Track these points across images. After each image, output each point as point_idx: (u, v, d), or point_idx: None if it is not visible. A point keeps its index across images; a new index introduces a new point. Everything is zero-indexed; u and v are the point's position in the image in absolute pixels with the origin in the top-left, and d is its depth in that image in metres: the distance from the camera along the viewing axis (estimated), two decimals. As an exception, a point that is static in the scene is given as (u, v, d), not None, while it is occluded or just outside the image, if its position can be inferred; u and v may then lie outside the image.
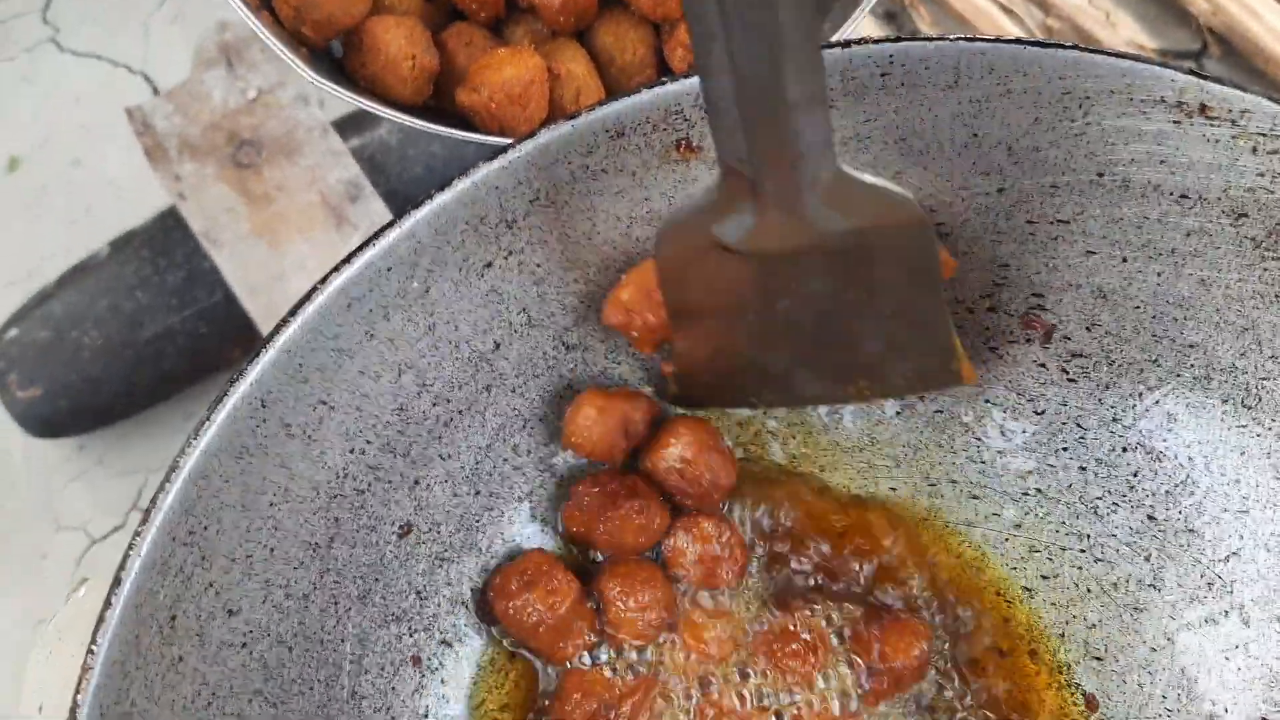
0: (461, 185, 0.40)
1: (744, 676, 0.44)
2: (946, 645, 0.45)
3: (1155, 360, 0.43)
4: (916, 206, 0.38)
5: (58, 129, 0.80)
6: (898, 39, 0.41)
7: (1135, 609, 0.44)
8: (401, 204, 0.74)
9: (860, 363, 0.42)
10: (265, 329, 0.65)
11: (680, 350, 0.43)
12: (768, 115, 0.33)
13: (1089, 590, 0.45)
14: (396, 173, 0.73)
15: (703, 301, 0.41)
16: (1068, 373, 0.45)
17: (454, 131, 0.48)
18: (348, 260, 0.39)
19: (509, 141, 0.41)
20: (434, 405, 0.42)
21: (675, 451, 0.44)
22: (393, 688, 0.42)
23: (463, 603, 0.44)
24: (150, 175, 0.71)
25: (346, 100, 0.49)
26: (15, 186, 0.78)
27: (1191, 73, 0.39)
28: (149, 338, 0.66)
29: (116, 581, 0.34)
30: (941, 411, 0.46)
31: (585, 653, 0.44)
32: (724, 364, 0.43)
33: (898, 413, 0.46)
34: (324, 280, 0.38)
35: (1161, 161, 0.41)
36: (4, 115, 0.80)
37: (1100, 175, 0.42)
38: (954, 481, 0.46)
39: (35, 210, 0.78)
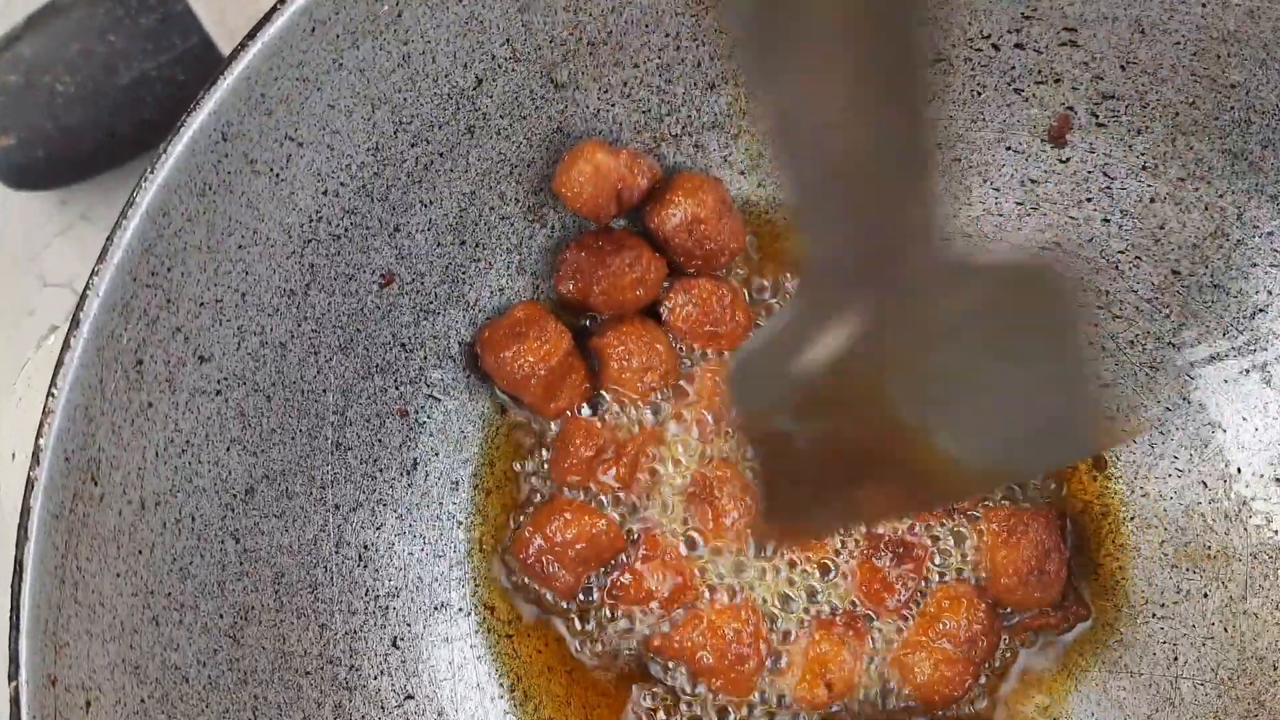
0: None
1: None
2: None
3: (1192, 102, 0.40)
4: (1055, 271, 0.30)
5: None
6: None
7: (1151, 367, 0.42)
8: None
9: (1002, 448, 0.34)
10: (227, 51, 0.62)
11: (772, 499, 0.36)
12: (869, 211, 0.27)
13: (1104, 349, 0.43)
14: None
15: (794, 435, 0.33)
16: (1097, 116, 0.41)
17: None
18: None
19: None
20: (412, 146, 0.39)
21: (685, 210, 0.42)
22: (379, 439, 0.40)
23: (450, 356, 0.42)
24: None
25: None
26: (-23, -78, 0.73)
27: None
28: (125, 84, 0.63)
29: (75, 323, 0.32)
30: (960, 160, 0.43)
31: (584, 405, 0.43)
32: (819, 497, 0.35)
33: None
34: (283, 1, 0.35)
35: None
36: None
37: (1150, -110, 0.37)
38: (968, 235, 0.44)
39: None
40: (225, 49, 0.63)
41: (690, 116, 0.43)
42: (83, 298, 0.32)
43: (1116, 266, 0.42)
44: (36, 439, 0.31)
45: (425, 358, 0.42)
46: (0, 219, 0.68)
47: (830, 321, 0.30)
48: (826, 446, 0.34)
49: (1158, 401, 0.42)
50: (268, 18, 0.35)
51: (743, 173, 0.44)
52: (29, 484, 0.31)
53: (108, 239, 0.33)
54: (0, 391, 0.55)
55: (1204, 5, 0.38)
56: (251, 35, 0.34)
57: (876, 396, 0.32)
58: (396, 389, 0.41)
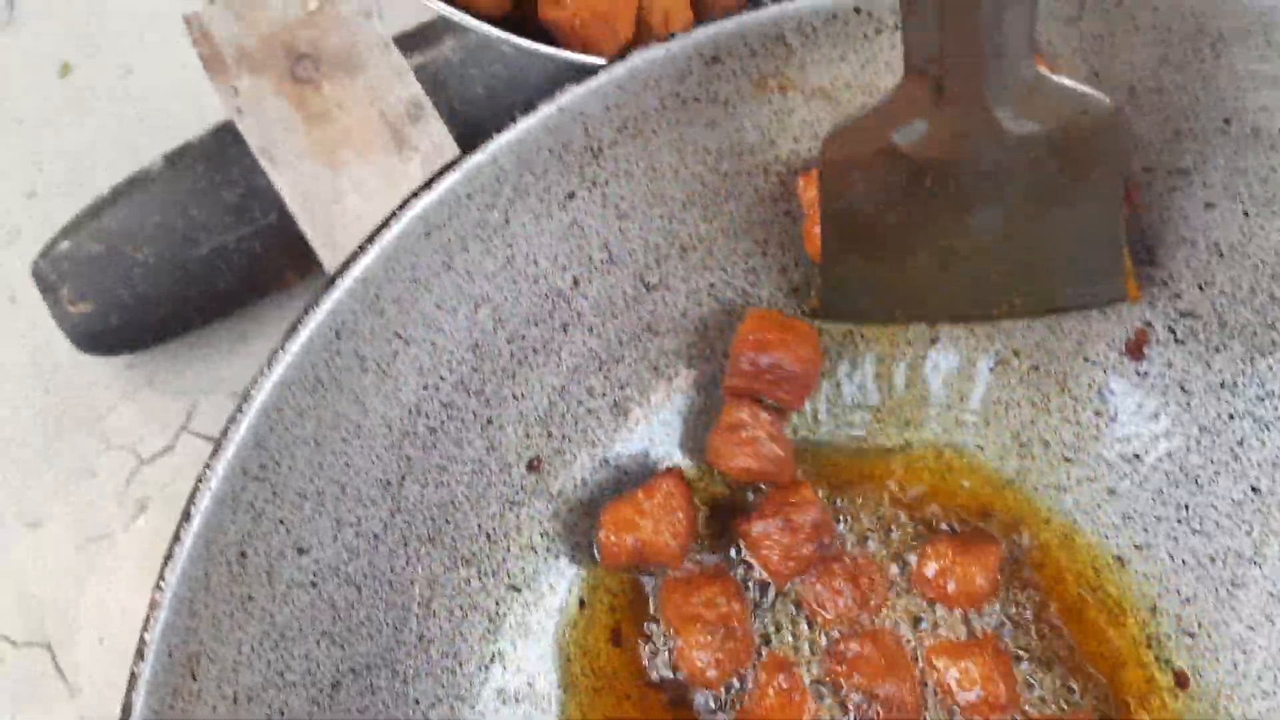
0: (546, 110, 0.38)
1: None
2: (1028, 608, 0.43)
3: (1271, 324, 0.41)
4: (1112, 109, 0.35)
5: (111, 35, 0.78)
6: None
7: (1233, 585, 0.42)
8: (462, 126, 0.72)
9: (1023, 274, 0.40)
10: (322, 251, 0.64)
11: (830, 254, 0.41)
12: (970, 8, 0.31)
13: (1184, 562, 0.43)
14: (458, 92, 0.70)
15: (863, 207, 0.39)
16: (1175, 333, 0.42)
17: (543, 47, 0.46)
18: (427, 186, 0.37)
19: (598, 63, 0.39)
20: (509, 342, 0.40)
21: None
22: (460, 632, 0.40)
23: (531, 548, 0.42)
24: (202, 87, 0.68)
25: (430, 9, 0.46)
26: (66, 93, 0.76)
27: (1340, 15, 0.36)
28: (203, 255, 0.64)
29: (186, 515, 0.33)
30: (1038, 369, 0.44)
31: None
32: (874, 273, 0.41)
33: (990, 369, 0.44)
34: (402, 206, 0.36)
35: (1296, 110, 0.38)
36: (57, 19, 0.78)
37: (1227, 122, 0.39)
38: (1046, 443, 0.44)
39: (86, 119, 0.76)
40: (304, 224, 0.65)
41: (774, 318, 0.44)
42: (195, 491, 0.33)
43: (1195, 481, 0.43)
44: (142, 633, 0.31)
45: (509, 549, 0.42)
46: (66, 380, 0.69)
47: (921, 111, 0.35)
48: (898, 225, 0.39)
49: (1240, 620, 0.42)
50: (386, 223, 0.36)
51: (823, 373, 0.45)
52: (132, 679, 0.31)
53: (221, 433, 0.33)
54: (69, 562, 0.55)
55: (1281, 232, 0.40)
56: (371, 239, 0.36)
57: (950, 194, 0.38)
58: (480, 580, 0.41)
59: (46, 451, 0.66)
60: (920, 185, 0.37)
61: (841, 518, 0.44)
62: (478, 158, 0.37)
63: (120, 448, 0.66)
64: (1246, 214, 0.40)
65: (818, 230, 0.40)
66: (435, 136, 0.68)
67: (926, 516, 0.44)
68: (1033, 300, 0.41)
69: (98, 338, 0.64)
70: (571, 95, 0.38)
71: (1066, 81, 0.34)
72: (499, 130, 0.38)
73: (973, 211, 0.38)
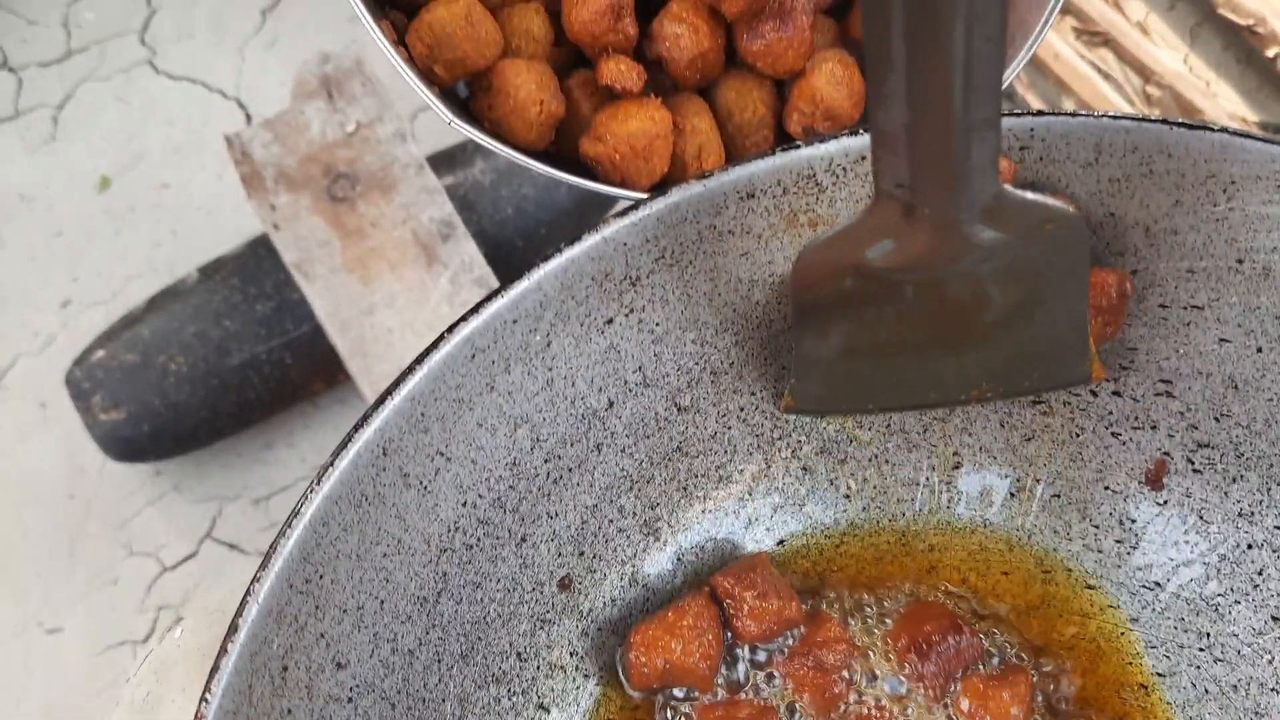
0: (590, 240, 0.39)
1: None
2: (1052, 736, 0.43)
3: (1287, 455, 0.42)
4: (1074, 215, 0.37)
5: (149, 151, 0.81)
6: (1039, 113, 0.40)
7: (1257, 713, 0.42)
8: (491, 244, 0.74)
9: (990, 364, 0.42)
10: (351, 363, 0.65)
11: (803, 354, 0.42)
12: (940, 140, 0.33)
13: (1207, 691, 0.43)
14: (488, 213, 0.73)
15: (833, 310, 0.40)
16: (1193, 463, 0.43)
17: (586, 182, 0.48)
18: (475, 311, 0.38)
19: (640, 197, 0.41)
20: (545, 461, 0.41)
21: None
22: (490, 750, 0.41)
23: (560, 667, 0.43)
24: (236, 202, 0.71)
25: (475, 139, 0.48)
26: (105, 206, 0.79)
27: (1346, 164, 0.38)
28: (235, 366, 0.66)
29: (233, 628, 0.33)
30: (1059, 496, 0.45)
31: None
32: (845, 370, 0.42)
33: (1013, 494, 0.45)
34: (450, 330, 0.38)
35: (1308, 252, 0.39)
36: (97, 134, 0.81)
37: (1240, 262, 0.41)
38: (1068, 569, 0.45)
39: (123, 231, 0.78)
40: (335, 337, 0.66)
41: (800, 441, 0.46)
42: (243, 604, 0.34)
43: (1216, 609, 0.43)
44: (187, 745, 0.32)
45: (538, 667, 0.42)
46: (93, 487, 0.70)
47: (891, 231, 0.37)
48: (868, 328, 0.40)
49: (1264, 748, 0.42)
50: (435, 345, 0.38)
51: (847, 496, 0.46)
52: (176, 792, 0.31)
53: (272, 546, 0.34)
54: (91, 667, 0.55)
55: (1295, 368, 0.41)
56: (420, 360, 0.37)
57: (919, 298, 0.39)
58: (509, 699, 0.42)
59: (69, 558, 0.67)
60: (890, 293, 0.39)
61: (869, 652, 0.44)
62: (524, 284, 0.38)
63: (143, 554, 0.66)
64: (1260, 350, 0.41)
65: (585, 11, 0.41)
66: (465, 254, 0.70)
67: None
68: (1002, 386, 0.42)
69: (128, 445, 0.65)
70: (615, 227, 0.39)
71: (1029, 195, 0.36)
72: (542, 257, 0.39)
73: (935, 309, 0.40)
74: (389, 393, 0.37)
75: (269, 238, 0.68)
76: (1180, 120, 0.39)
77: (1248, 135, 0.39)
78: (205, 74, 0.83)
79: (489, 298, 0.38)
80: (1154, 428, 0.44)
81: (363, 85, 0.71)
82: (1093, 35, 0.84)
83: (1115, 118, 0.39)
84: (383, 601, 0.37)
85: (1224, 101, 0.83)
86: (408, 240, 0.68)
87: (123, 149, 0.81)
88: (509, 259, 0.73)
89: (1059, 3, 0.49)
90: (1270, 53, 0.84)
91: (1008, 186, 0.36)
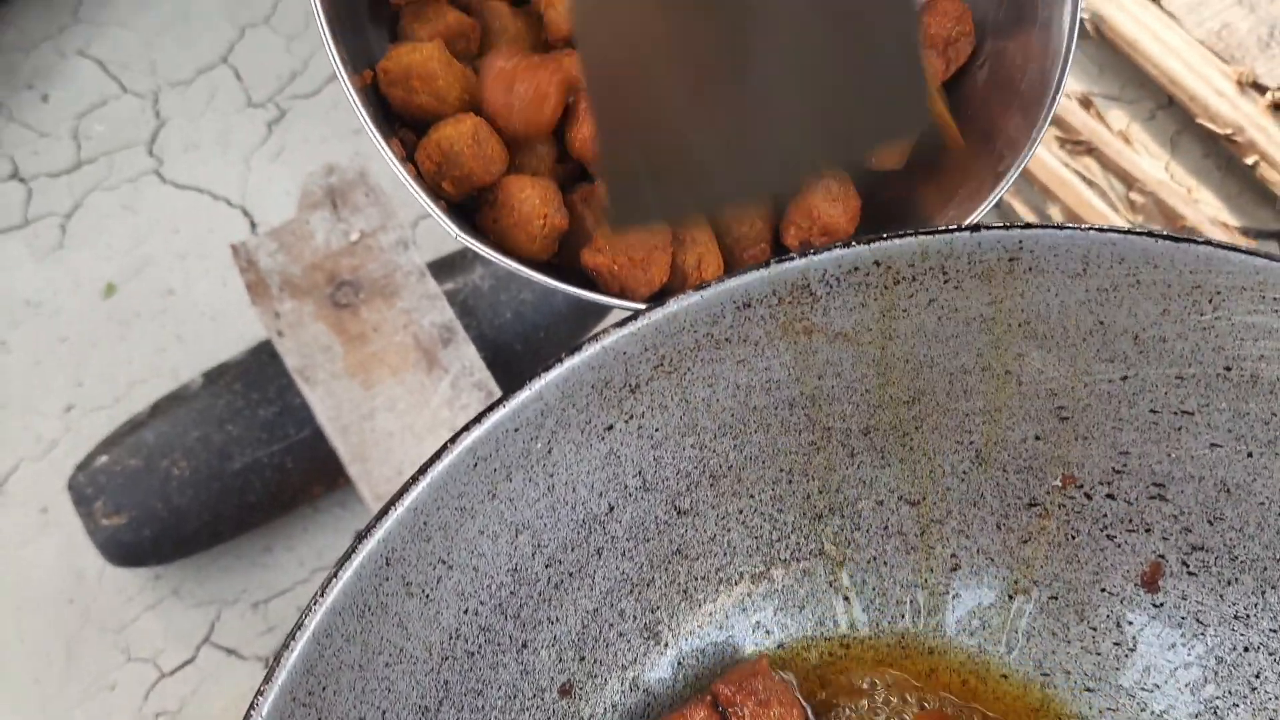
0: (591, 350, 0.40)
1: None
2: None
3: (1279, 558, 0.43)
4: None
5: (155, 258, 0.82)
6: (1027, 225, 0.42)
7: (1262, 817, 0.42)
8: (491, 348, 0.75)
9: (822, 124, 0.36)
10: (352, 467, 0.66)
11: (608, 149, 0.37)
12: None
13: (1211, 794, 0.43)
14: (488, 318, 0.74)
15: (632, 67, 0.34)
16: (1188, 566, 0.44)
17: (586, 293, 0.49)
18: (478, 420, 0.39)
19: (638, 307, 0.42)
20: (546, 567, 0.42)
21: None
22: None
23: (562, 773, 0.43)
24: (240, 307, 0.72)
25: (480, 252, 0.50)
26: (110, 312, 0.80)
27: (1325, 274, 0.39)
28: (236, 470, 0.67)
29: (235, 741, 0.33)
30: (1056, 599, 0.45)
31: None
32: (659, 160, 0.37)
33: (1010, 597, 0.45)
34: (453, 440, 0.38)
35: (1292, 359, 0.40)
36: (104, 242, 0.82)
37: (1228, 369, 0.42)
38: (1067, 672, 0.45)
39: (127, 337, 0.79)
40: (336, 441, 0.67)
41: (799, 543, 0.46)
42: (246, 718, 0.34)
43: (1215, 712, 0.43)
44: None
45: (539, 775, 0.42)
46: (92, 592, 0.70)
47: None
48: (675, 93, 0.34)
49: None
50: (438, 455, 0.38)
51: (846, 598, 0.46)
52: None
53: (275, 659, 0.34)
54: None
55: (1285, 471, 0.42)
56: (423, 470, 0.38)
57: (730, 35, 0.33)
58: (510, 807, 0.41)
59: (67, 664, 0.67)
60: (686, 23, 0.34)
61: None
62: (526, 394, 0.39)
63: (141, 660, 0.66)
64: (1250, 454, 0.42)
65: (587, 130, 0.37)
66: (465, 358, 0.71)
67: (952, 746, 0.44)
68: (839, 150, 0.38)
69: (129, 550, 0.66)
70: (615, 336, 0.40)
71: None
72: (543, 366, 0.40)
73: (756, 56, 0.34)
74: (392, 503, 0.37)
75: (272, 344, 0.69)
76: (1165, 233, 0.40)
77: (1231, 247, 0.40)
78: (211, 183, 0.84)
79: (491, 407, 0.39)
80: (1148, 530, 0.44)
81: (366, 195, 0.72)
82: (1076, 144, 0.86)
83: (1102, 230, 0.41)
84: (384, 711, 0.37)
85: (1206, 207, 0.85)
86: (409, 345, 0.69)
87: (129, 256, 0.83)
88: (508, 362, 0.74)
89: (1045, 125, 0.50)
90: (1249, 160, 0.86)
91: None
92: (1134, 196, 0.86)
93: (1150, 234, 0.40)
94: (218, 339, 0.76)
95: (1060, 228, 0.41)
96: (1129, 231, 0.40)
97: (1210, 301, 0.41)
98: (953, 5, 0.52)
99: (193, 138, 0.86)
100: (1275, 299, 0.40)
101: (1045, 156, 0.87)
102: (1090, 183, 0.86)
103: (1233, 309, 0.40)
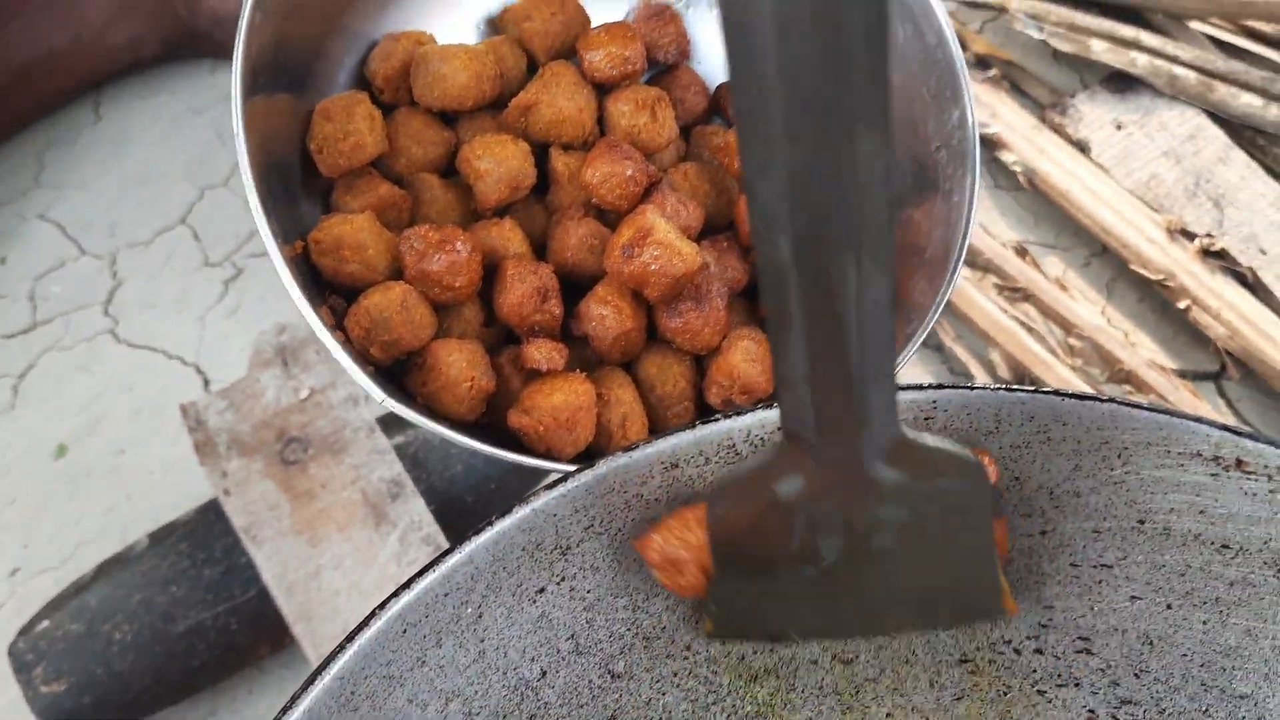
0: (521, 512, 0.41)
1: None
2: None
3: (1206, 710, 0.43)
4: (976, 462, 0.40)
5: (107, 417, 0.82)
6: (939, 386, 0.43)
7: None
8: (442, 501, 0.75)
9: (906, 597, 0.43)
10: (297, 627, 0.65)
11: (721, 583, 0.43)
12: (837, 390, 0.36)
13: None
14: (438, 470, 0.75)
15: (751, 550, 0.42)
16: (1117, 719, 0.44)
17: (505, 453, 0.50)
18: (406, 586, 0.39)
19: (564, 468, 0.43)
20: (478, 734, 0.42)
21: None
22: None
23: None
24: (191, 466, 0.72)
25: (405, 416, 0.51)
26: (60, 473, 0.80)
27: (1225, 428, 0.41)
28: (180, 633, 0.66)
29: None
30: (991, 754, 0.45)
31: None
32: (763, 599, 0.44)
33: (945, 753, 0.46)
34: (381, 606, 0.39)
35: (1201, 512, 0.42)
36: (57, 403, 0.83)
37: (1141, 522, 0.43)
38: (1005, 828, 0.45)
39: (77, 497, 0.79)
40: (282, 602, 0.67)
41: (735, 705, 0.46)
42: None
43: None
44: None
45: None
46: (30, 761, 0.68)
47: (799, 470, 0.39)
48: (784, 559, 0.41)
49: None
50: (366, 622, 0.39)
51: (785, 761, 0.46)
52: None
53: (195, 837, 0.34)
54: None
55: (1204, 623, 0.42)
56: (350, 638, 0.38)
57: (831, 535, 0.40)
58: None
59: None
60: (800, 529, 0.41)
61: None
62: (456, 558, 0.39)
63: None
64: (1169, 606, 0.43)
65: (513, 296, 0.44)
66: (414, 513, 0.71)
67: None
68: (918, 619, 0.44)
69: (69, 717, 0.64)
70: (545, 499, 0.41)
71: (931, 440, 0.39)
72: (473, 530, 0.40)
73: (848, 547, 0.41)
74: (318, 672, 0.37)
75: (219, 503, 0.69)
76: (1070, 391, 0.42)
77: (1134, 405, 0.42)
78: (166, 342, 0.85)
79: (421, 572, 0.39)
80: (1077, 685, 0.44)
81: (317, 352, 0.73)
82: (1014, 291, 0.89)
83: (1010, 389, 0.42)
84: None
85: (1144, 350, 0.88)
86: (357, 500, 0.70)
87: (82, 416, 0.83)
88: (459, 515, 0.75)
89: (948, 290, 0.52)
90: (1182, 304, 0.89)
91: (909, 432, 0.38)
92: (1072, 342, 0.88)
93: (1057, 393, 0.42)
94: (168, 498, 0.76)
95: (971, 388, 0.43)
96: (1036, 391, 0.42)
97: (1119, 457, 0.42)
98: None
99: (149, 297, 0.87)
100: (1180, 453, 0.41)
101: (985, 304, 0.90)
102: (1030, 329, 0.89)
103: (1141, 464, 0.42)
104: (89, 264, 0.88)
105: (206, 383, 0.84)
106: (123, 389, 0.84)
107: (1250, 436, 0.41)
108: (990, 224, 0.93)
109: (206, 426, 0.70)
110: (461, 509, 0.76)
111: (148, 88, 0.94)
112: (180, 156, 0.91)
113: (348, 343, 0.51)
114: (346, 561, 0.68)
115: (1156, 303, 0.91)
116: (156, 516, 0.73)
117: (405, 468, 0.72)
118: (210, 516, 0.71)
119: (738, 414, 0.43)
